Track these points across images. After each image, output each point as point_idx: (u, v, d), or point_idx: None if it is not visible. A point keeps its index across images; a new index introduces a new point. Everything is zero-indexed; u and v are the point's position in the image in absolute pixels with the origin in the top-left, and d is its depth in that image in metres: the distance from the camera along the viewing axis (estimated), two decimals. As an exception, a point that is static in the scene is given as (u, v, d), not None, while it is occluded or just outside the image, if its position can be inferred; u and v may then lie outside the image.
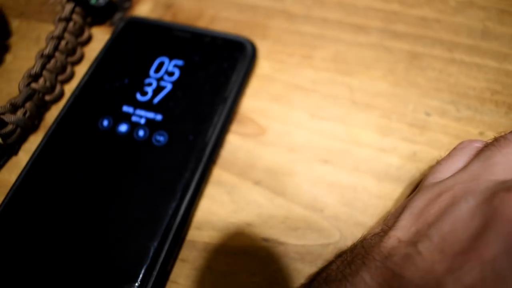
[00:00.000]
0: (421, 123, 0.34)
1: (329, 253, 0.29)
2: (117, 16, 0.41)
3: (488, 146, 0.25)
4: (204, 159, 0.31)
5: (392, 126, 0.34)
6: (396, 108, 0.35)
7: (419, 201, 0.24)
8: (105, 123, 0.33)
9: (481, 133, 0.34)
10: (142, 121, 0.33)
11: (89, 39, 0.40)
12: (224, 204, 0.31)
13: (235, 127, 0.35)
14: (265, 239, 0.30)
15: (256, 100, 0.36)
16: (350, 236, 0.30)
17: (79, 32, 0.39)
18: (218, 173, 0.33)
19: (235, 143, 0.34)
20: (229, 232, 0.30)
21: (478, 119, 0.34)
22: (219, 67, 0.35)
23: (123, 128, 0.33)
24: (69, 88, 0.37)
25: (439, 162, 0.27)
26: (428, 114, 0.34)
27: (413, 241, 0.22)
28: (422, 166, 0.32)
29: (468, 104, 0.35)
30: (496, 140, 0.25)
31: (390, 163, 0.32)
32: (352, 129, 0.34)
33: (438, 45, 0.38)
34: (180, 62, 0.36)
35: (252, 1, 0.41)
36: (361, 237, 0.25)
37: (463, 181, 0.23)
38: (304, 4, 0.41)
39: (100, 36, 0.41)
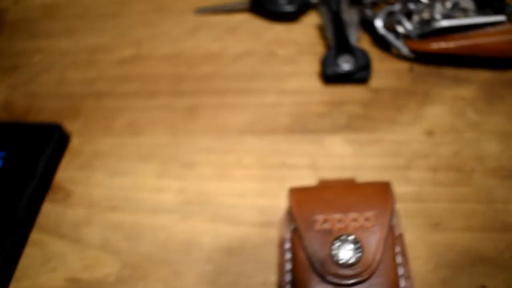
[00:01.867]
0: (191, 162, 0.49)
1: (110, 282, 0.44)
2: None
3: None
4: (17, 227, 0.47)
5: (167, 169, 0.49)
6: (172, 154, 0.50)
7: None
8: None
9: (237, 160, 0.48)
10: (-28, 207, 0.49)
11: None
12: (36, 259, 0.46)
13: (50, 196, 0.50)
14: (68, 280, 0.45)
15: (67, 171, 0.51)
16: (129, 264, 0.43)
17: None
18: (35, 236, 0.48)
19: (49, 208, 0.49)
20: (40, 280, 0.45)
21: (238, 148, 0.49)
22: (32, 150, 0.51)
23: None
24: None
25: None
26: (197, 153, 0.49)
27: None
28: (190, 196, 0.46)
29: (230, 139, 0.50)
30: None
31: (163, 199, 0.47)
32: (137, 178, 0.49)
33: (213, 94, 0.54)
34: (2, 154, 0.52)
35: (70, 90, 0.57)
36: None
37: None
38: (110, 82, 0.57)
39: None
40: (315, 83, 0.50)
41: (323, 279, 0.33)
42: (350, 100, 0.49)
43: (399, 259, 0.37)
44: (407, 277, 0.36)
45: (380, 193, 0.36)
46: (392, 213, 0.35)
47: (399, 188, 0.43)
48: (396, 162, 0.44)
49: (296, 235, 0.35)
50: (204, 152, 0.46)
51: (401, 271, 0.36)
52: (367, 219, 0.35)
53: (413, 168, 0.44)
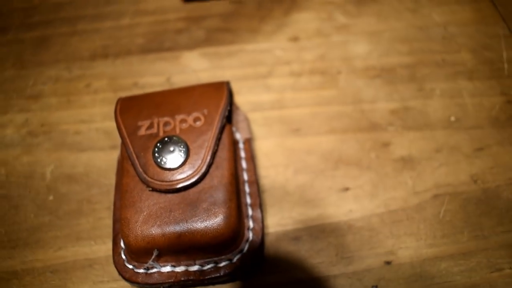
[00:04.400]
0: (37, 93, 0.44)
1: None
2: None
3: None
4: None
5: (11, 104, 0.44)
6: (17, 87, 0.45)
7: None
8: None
9: (87, 85, 0.44)
10: None
11: None
12: None
13: None
14: None
15: None
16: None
17: None
18: None
19: None
20: None
21: (88, 74, 0.45)
22: None
23: None
24: None
25: None
26: (44, 84, 0.45)
27: None
28: (33, 128, 0.43)
29: (80, 65, 0.46)
30: None
31: (5, 134, 0.43)
32: None
33: (65, 23, 0.49)
34: None
35: None
36: None
37: None
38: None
39: None
40: (175, 1, 0.46)
41: (148, 186, 0.29)
42: (210, 14, 0.46)
43: (244, 164, 0.33)
44: (252, 182, 0.33)
45: (214, 92, 0.33)
46: (224, 111, 0.31)
47: (258, 97, 0.40)
48: (257, 71, 0.41)
49: (123, 146, 0.32)
50: (52, 82, 0.42)
51: (245, 176, 0.33)
52: (197, 119, 0.31)
53: (274, 75, 0.41)
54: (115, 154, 0.38)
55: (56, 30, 0.46)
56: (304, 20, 0.45)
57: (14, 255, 0.34)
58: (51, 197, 0.36)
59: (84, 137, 0.39)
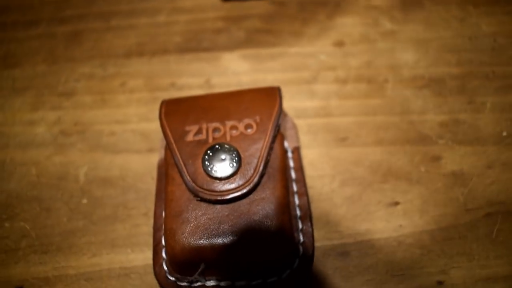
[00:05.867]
0: (69, 90, 0.42)
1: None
2: None
3: None
4: None
5: (43, 100, 0.42)
6: (49, 84, 0.43)
7: None
8: None
9: (122, 84, 0.42)
10: None
11: None
12: None
13: None
14: None
15: None
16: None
17: None
18: None
19: None
20: None
21: (123, 72, 0.43)
22: None
23: None
24: None
25: None
26: (77, 81, 0.43)
27: None
28: (66, 127, 0.41)
29: (115, 62, 0.43)
30: None
31: (37, 132, 0.40)
32: (9, 112, 0.42)
33: (98, 19, 0.47)
34: None
35: None
36: None
37: None
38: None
39: None
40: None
41: (197, 195, 0.27)
42: (250, 14, 0.44)
43: (293, 175, 0.31)
44: (302, 194, 0.31)
45: (266, 98, 0.31)
46: (278, 118, 0.30)
47: (303, 103, 0.38)
48: (300, 76, 0.39)
49: (168, 152, 0.29)
50: (85, 79, 0.40)
51: (294, 187, 0.31)
52: (248, 127, 0.29)
53: (319, 81, 0.39)
54: (153, 158, 0.35)
55: (89, 25, 0.44)
56: (349, 25, 0.42)
57: (46, 260, 0.32)
58: (85, 201, 0.34)
59: (119, 138, 0.37)
